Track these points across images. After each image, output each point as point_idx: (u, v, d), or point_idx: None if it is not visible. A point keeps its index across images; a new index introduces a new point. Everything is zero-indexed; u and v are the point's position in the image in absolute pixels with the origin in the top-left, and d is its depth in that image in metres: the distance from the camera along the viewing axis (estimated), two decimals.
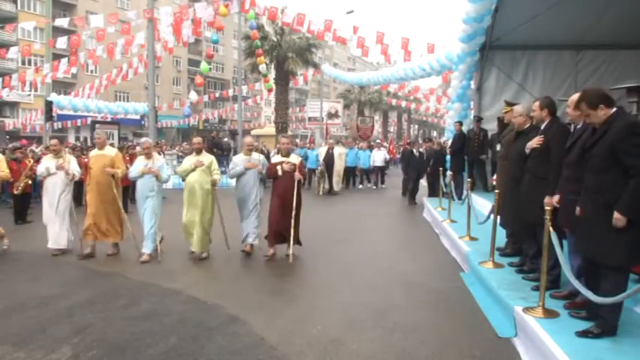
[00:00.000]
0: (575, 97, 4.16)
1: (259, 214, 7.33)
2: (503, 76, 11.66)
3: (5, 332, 4.30)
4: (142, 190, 7.13)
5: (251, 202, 7.23)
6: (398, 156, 31.25)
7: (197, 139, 7.50)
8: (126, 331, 4.30)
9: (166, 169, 7.41)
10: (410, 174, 14.18)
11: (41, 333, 4.27)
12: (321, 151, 16.65)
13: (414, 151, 14.89)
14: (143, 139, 7.56)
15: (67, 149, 10.98)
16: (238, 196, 7.34)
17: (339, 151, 16.60)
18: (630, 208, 3.36)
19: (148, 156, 7.18)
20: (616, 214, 3.38)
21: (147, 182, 7.07)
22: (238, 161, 7.40)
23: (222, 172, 16.20)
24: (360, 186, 18.45)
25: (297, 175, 7.00)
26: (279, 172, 7.04)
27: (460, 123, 12.05)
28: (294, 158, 7.25)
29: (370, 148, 19.70)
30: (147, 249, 6.95)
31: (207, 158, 7.25)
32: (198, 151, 7.27)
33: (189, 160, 7.28)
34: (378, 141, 20.74)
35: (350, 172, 18.15)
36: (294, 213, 6.84)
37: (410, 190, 13.93)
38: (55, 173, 7.32)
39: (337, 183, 16.36)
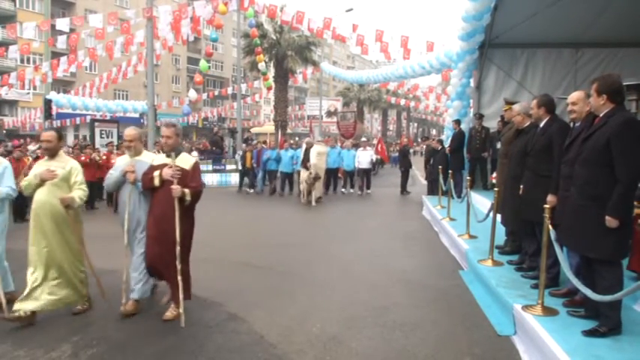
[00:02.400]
0: (575, 94, 4.18)
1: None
2: (502, 74, 11.66)
3: (5, 331, 4.29)
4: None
5: (137, 227, 4.82)
6: (395, 154, 31.16)
7: (47, 135, 4.79)
8: (125, 330, 4.31)
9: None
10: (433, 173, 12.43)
11: (41, 331, 4.27)
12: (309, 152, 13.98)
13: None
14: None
15: None
16: (121, 219, 4.92)
17: (318, 149, 13.85)
18: (620, 210, 3.41)
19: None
20: (608, 218, 3.42)
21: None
22: (120, 164, 5.01)
23: (217, 171, 16.17)
24: (344, 190, 16.09)
25: (176, 189, 4.37)
26: (156, 182, 4.54)
27: (458, 121, 12.05)
28: (186, 160, 4.67)
29: (355, 147, 17.12)
30: None
31: (65, 165, 4.74)
32: (51, 154, 4.76)
33: (38, 168, 4.74)
34: (364, 139, 18.02)
35: (331, 175, 15.85)
36: (178, 248, 4.38)
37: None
38: None
39: (318, 188, 13.55)
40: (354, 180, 16.32)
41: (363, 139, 18.06)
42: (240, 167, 16.93)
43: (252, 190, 16.29)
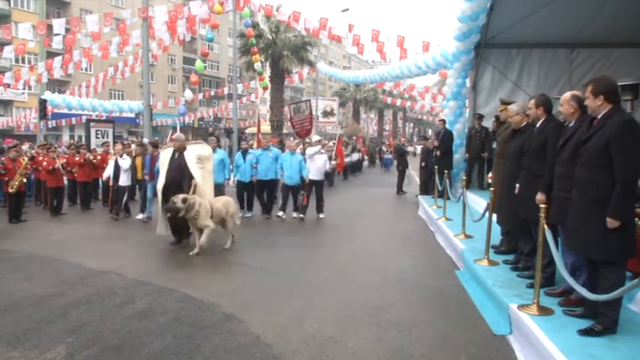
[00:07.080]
0: (568, 95, 4.20)
1: None
2: (498, 74, 11.70)
3: (0, 332, 4.28)
4: None
5: None
6: (387, 156, 30.95)
7: None
8: (121, 330, 4.29)
9: None
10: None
11: (36, 332, 4.25)
12: (163, 157, 8.09)
13: None
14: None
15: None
16: None
17: (198, 152, 7.99)
18: (621, 212, 3.42)
19: None
20: (609, 220, 3.43)
21: None
22: None
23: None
24: (280, 213, 10.46)
25: None
26: None
27: (444, 121, 12.02)
28: None
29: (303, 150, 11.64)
30: None
31: None
32: None
33: None
34: (317, 138, 13.34)
35: (264, 190, 10.84)
36: None
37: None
38: None
39: (198, 223, 7.29)
40: (298, 198, 10.94)
41: (316, 137, 13.52)
42: (112, 181, 10.98)
43: (141, 216, 10.64)
